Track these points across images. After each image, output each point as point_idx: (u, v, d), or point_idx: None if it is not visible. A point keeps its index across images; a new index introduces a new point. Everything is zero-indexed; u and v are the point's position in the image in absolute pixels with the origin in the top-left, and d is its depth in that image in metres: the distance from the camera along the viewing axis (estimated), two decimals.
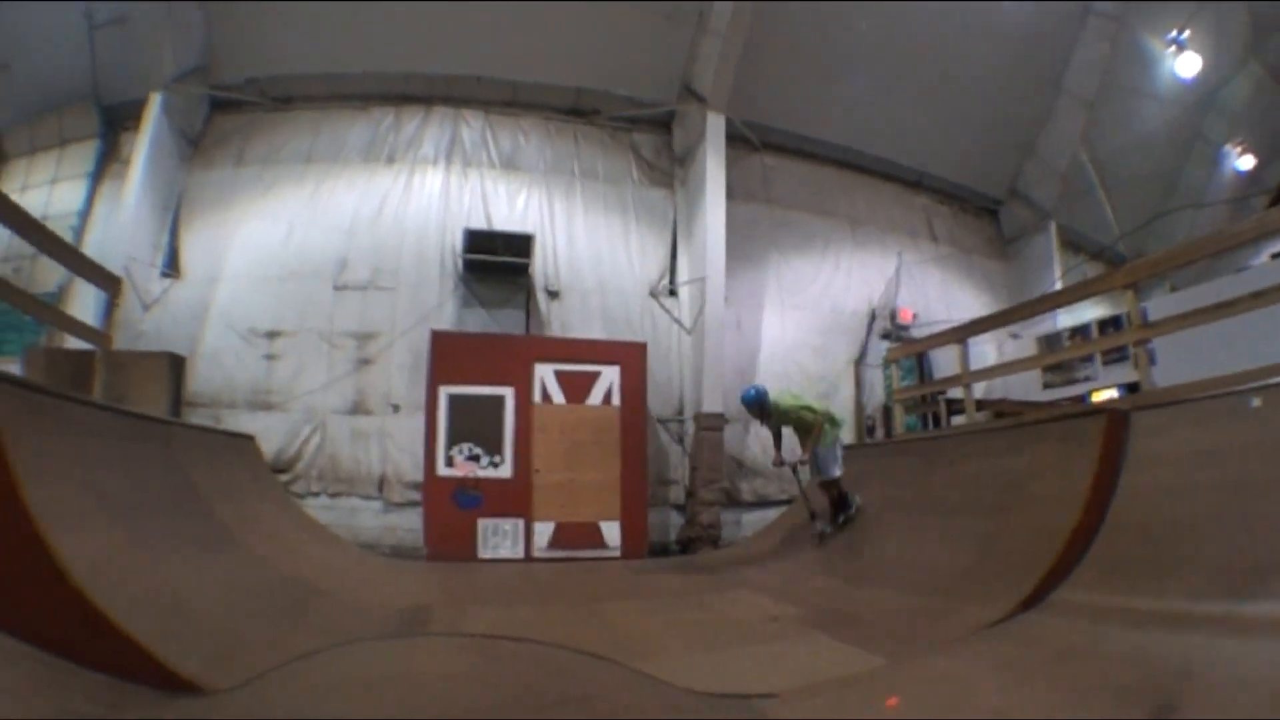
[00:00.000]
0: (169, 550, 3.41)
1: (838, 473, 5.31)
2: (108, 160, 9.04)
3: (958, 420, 7.13)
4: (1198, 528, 2.99)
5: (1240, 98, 11.64)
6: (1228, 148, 12.09)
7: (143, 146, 8.02)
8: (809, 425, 5.33)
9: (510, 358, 6.92)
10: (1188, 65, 10.08)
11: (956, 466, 4.79)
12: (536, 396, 6.86)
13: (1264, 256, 10.02)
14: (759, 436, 7.81)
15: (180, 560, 3.43)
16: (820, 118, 8.32)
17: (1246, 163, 12.33)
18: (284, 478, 7.16)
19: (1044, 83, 9.18)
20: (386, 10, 7.75)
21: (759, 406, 5.47)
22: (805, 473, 5.57)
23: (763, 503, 7.62)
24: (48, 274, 8.67)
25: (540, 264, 7.58)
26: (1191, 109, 11.04)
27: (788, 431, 5.55)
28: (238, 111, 8.58)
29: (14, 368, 6.35)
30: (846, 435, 7.89)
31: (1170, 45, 10.08)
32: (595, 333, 7.53)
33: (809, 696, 2.29)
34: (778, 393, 5.60)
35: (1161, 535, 3.08)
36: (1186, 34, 9.93)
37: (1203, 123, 11.50)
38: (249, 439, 6.22)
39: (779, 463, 5.57)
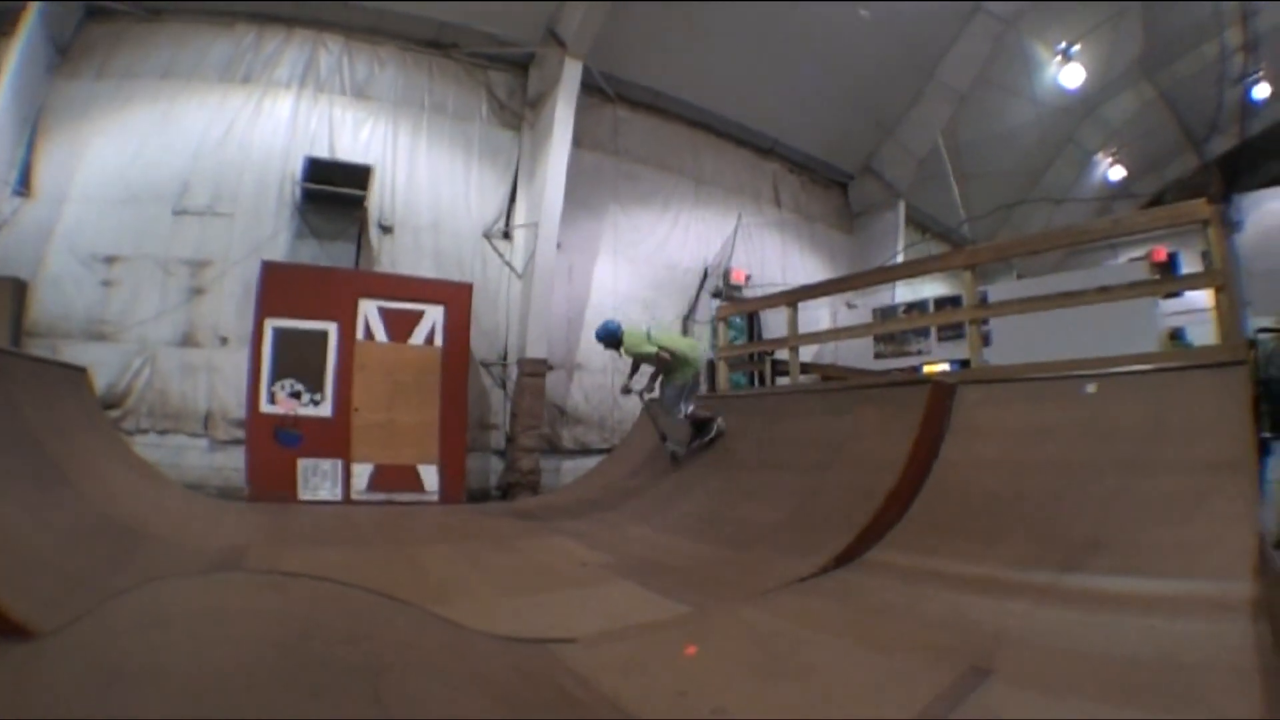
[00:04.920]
0: None
1: (681, 410, 5.56)
2: None
3: (783, 382, 7.30)
4: (1023, 500, 3.04)
5: (1123, 113, 12.14)
6: (1100, 156, 12.59)
7: (13, 56, 7.71)
8: (654, 363, 5.65)
9: (336, 292, 6.79)
10: (1072, 76, 10.54)
11: (778, 425, 4.87)
12: (360, 333, 6.76)
13: (1122, 259, 10.54)
14: (582, 385, 7.96)
15: (8, 499, 3.29)
16: (680, 77, 8.37)
17: (1117, 173, 12.85)
18: (115, 413, 6.89)
19: (916, 69, 9.38)
20: None
21: (608, 339, 5.71)
22: (659, 400, 5.81)
23: (584, 450, 7.72)
24: None
25: (377, 197, 7.56)
26: (1067, 115, 11.45)
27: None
28: (109, 20, 8.17)
29: None
30: None
31: (1058, 55, 10.52)
32: (425, 271, 7.51)
33: (608, 642, 2.29)
34: (633, 329, 5.80)
35: (982, 505, 3.14)
36: (1077, 47, 10.37)
37: (1077, 129, 11.94)
38: (81, 371, 5.84)
39: (625, 389, 5.87)
